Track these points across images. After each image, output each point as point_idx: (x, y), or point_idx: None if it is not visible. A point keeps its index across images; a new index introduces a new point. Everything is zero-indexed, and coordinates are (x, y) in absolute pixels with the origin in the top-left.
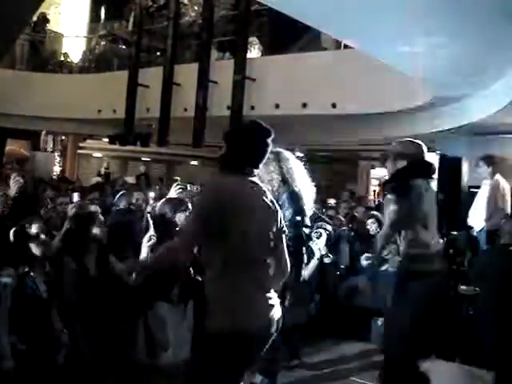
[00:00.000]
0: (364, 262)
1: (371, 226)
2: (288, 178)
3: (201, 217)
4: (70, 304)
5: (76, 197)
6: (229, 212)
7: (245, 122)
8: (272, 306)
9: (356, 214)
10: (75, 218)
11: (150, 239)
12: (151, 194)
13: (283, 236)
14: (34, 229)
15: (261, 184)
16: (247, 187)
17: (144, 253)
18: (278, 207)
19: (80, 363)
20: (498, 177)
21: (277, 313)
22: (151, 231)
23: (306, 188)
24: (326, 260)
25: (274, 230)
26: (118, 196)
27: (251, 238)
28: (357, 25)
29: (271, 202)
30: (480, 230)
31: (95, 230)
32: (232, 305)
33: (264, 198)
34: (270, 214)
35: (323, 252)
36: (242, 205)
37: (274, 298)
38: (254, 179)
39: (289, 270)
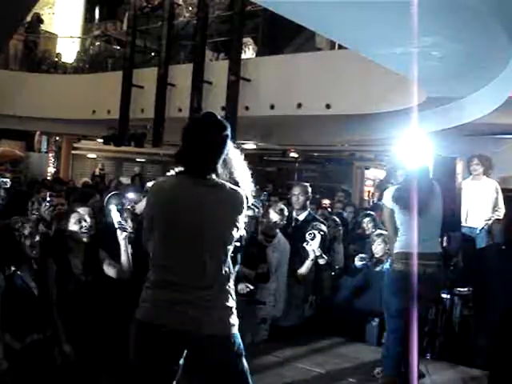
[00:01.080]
0: (358, 263)
1: (367, 225)
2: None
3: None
4: (54, 304)
5: (48, 196)
6: (154, 212)
7: (198, 115)
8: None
9: (345, 214)
10: (53, 219)
11: (122, 232)
12: (130, 196)
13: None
14: (24, 229)
15: (220, 187)
16: (181, 188)
17: (122, 246)
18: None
19: (76, 364)
20: (486, 177)
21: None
22: (117, 224)
23: (246, 179)
24: (321, 261)
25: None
26: (107, 197)
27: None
28: (350, 25)
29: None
30: (481, 229)
31: (73, 228)
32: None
33: (210, 199)
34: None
35: (318, 253)
36: (165, 208)
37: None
38: (205, 180)
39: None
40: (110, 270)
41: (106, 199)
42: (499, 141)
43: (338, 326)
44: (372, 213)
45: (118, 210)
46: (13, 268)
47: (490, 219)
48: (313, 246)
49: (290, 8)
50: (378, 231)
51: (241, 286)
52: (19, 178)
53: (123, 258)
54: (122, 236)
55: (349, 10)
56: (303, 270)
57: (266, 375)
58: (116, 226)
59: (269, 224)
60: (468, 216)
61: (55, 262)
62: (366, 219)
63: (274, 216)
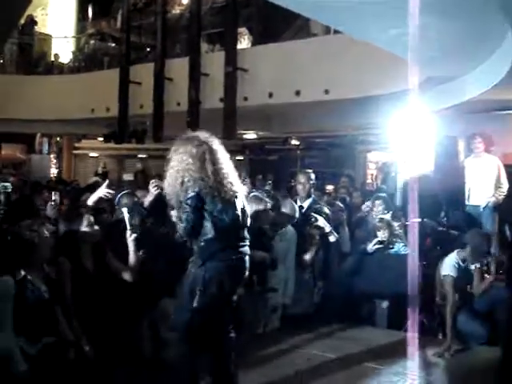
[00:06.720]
0: (370, 246)
1: (378, 207)
2: None
3: None
4: (70, 303)
5: (54, 196)
6: None
7: None
8: None
9: (353, 200)
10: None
11: (131, 234)
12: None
13: None
14: (43, 230)
15: None
16: None
17: (131, 247)
18: None
19: (87, 361)
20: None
21: None
22: (129, 226)
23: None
24: (331, 238)
25: None
26: (119, 196)
27: None
28: (343, 9)
29: None
30: (485, 207)
31: (85, 229)
32: None
33: None
34: None
35: (328, 230)
36: None
37: None
38: None
39: None
40: (125, 275)
41: (117, 198)
42: (501, 117)
43: (348, 311)
44: (383, 195)
45: (129, 208)
46: (23, 272)
47: (492, 196)
48: (320, 222)
49: None
50: (380, 216)
51: None
52: (21, 180)
53: (132, 259)
54: (131, 238)
55: None
56: (308, 256)
57: (280, 364)
58: (128, 228)
59: (281, 217)
60: (471, 194)
61: (69, 260)
62: (377, 201)
63: (286, 210)
